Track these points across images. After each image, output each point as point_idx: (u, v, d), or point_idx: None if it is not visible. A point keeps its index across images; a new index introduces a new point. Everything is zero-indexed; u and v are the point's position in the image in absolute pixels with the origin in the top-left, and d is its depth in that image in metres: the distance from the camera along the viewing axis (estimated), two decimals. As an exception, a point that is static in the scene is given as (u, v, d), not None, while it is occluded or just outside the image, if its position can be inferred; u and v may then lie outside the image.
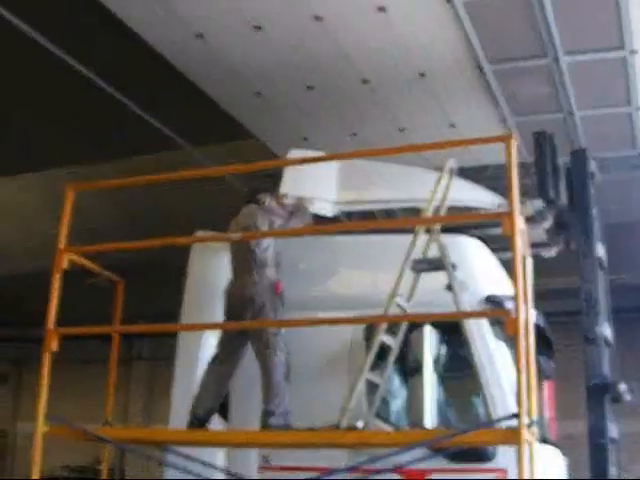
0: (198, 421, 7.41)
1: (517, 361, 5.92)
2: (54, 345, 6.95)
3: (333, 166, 8.51)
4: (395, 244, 7.45)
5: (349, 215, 8.50)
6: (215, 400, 7.56)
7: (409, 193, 8.46)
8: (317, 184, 8.30)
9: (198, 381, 7.68)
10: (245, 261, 7.59)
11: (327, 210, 8.35)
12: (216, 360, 7.61)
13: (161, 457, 7.81)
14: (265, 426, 7.09)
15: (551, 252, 9.27)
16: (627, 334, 14.55)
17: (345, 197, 8.49)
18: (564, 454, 8.19)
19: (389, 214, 8.44)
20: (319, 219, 8.27)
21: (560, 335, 10.57)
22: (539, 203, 8.48)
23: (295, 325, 7.43)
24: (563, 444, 8.51)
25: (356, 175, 8.64)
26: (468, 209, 8.27)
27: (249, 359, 7.57)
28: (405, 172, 8.95)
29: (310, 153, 8.53)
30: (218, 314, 7.77)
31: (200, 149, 13.57)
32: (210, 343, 7.91)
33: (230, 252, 7.80)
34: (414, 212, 8.11)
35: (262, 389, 7.28)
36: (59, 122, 12.95)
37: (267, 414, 7.13)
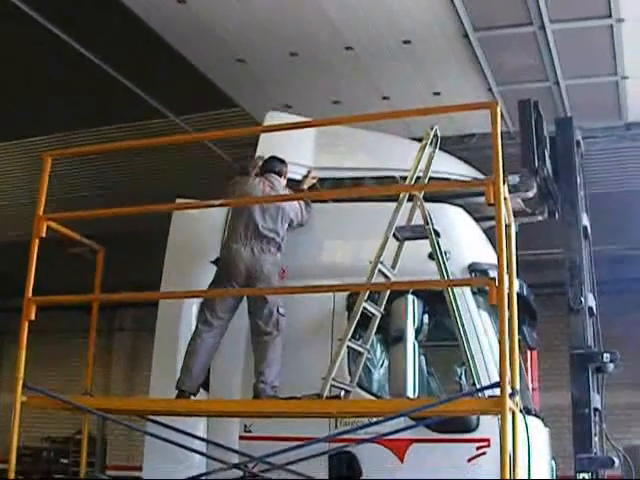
0: (188, 395, 7.34)
1: (500, 330, 5.88)
2: (32, 314, 6.88)
3: (310, 131, 8.42)
4: (379, 212, 7.39)
5: (322, 181, 8.39)
6: (203, 374, 7.47)
7: (386, 162, 8.38)
8: (293, 148, 8.19)
9: (179, 350, 7.60)
10: (266, 238, 7.51)
11: (299, 175, 8.28)
12: (208, 326, 7.43)
13: (142, 427, 7.75)
14: (258, 393, 7.06)
15: (535, 221, 9.21)
16: (611, 304, 14.61)
17: (321, 163, 8.41)
18: (547, 424, 8.18)
19: (358, 182, 8.30)
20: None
21: (545, 306, 10.57)
22: (515, 178, 8.40)
23: (278, 293, 7.38)
24: (547, 414, 8.51)
25: (333, 141, 8.57)
26: (445, 180, 8.18)
27: (231, 330, 7.52)
28: (383, 140, 8.88)
29: (288, 117, 8.42)
30: (199, 282, 7.69)
31: (183, 118, 13.45)
32: (192, 311, 7.84)
33: (236, 216, 7.67)
34: (390, 181, 8.05)
35: (258, 362, 7.24)
36: (41, 90, 12.81)
37: (262, 382, 7.10)
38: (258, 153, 8.21)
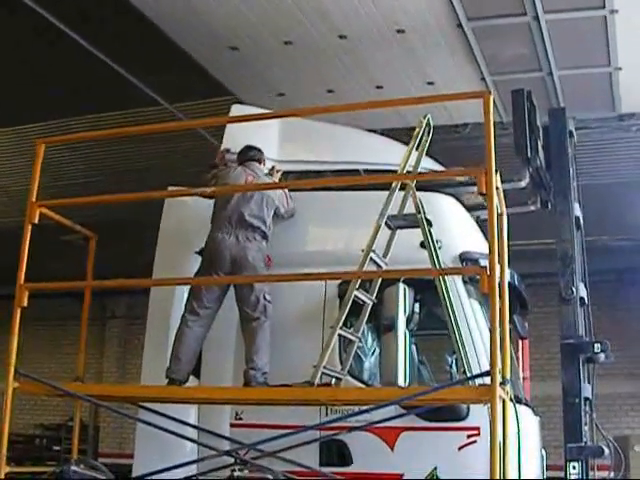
0: (178, 384, 7.34)
1: (491, 319, 5.90)
2: (24, 300, 6.90)
3: (275, 124, 8.42)
4: (371, 201, 7.40)
5: (286, 174, 8.38)
6: (192, 362, 7.47)
7: (351, 155, 8.39)
8: (258, 142, 8.16)
9: (170, 338, 7.60)
10: (252, 226, 7.52)
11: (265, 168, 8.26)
12: (195, 315, 7.45)
13: (134, 414, 7.76)
14: (248, 381, 7.07)
15: (527, 211, 9.22)
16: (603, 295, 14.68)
17: (285, 156, 8.41)
18: (538, 413, 8.21)
19: (321, 176, 8.28)
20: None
21: (537, 296, 10.60)
22: None
23: (270, 281, 7.39)
24: (538, 404, 8.54)
25: (297, 135, 8.56)
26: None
27: (222, 318, 7.54)
28: (349, 134, 8.88)
29: (253, 109, 8.42)
30: (190, 270, 7.70)
31: (177, 106, 13.42)
32: (183, 299, 7.83)
33: (221, 206, 7.66)
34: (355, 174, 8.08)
35: (247, 349, 7.25)
36: (35, 78, 12.78)
37: (253, 369, 7.11)
38: (224, 146, 8.25)
